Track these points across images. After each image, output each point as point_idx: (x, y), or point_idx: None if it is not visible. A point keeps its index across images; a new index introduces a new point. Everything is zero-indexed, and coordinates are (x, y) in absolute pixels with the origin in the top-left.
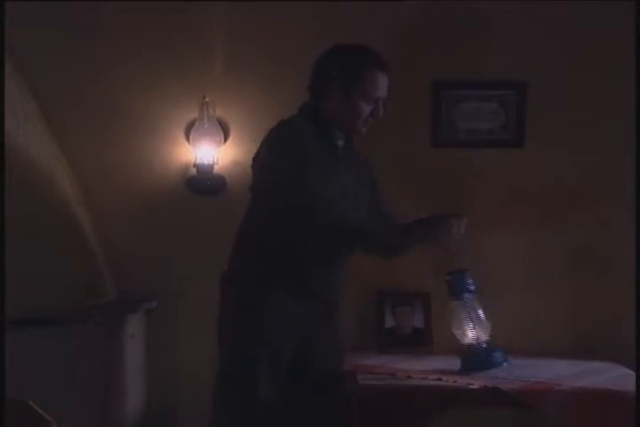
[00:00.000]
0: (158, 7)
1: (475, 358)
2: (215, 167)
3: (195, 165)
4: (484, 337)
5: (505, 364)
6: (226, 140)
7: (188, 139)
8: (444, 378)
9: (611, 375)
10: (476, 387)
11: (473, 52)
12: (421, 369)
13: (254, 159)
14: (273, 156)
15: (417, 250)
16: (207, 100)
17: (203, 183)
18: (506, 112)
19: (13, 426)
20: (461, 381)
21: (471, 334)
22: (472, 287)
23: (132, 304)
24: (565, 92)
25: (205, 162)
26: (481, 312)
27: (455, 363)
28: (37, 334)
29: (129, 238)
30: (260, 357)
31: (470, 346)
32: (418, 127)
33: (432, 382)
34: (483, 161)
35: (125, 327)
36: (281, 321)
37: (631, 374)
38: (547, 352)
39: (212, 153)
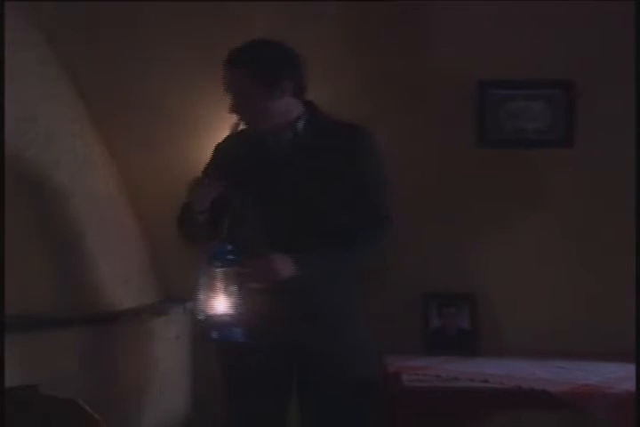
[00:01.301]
0: (207, 7)
1: (212, 329)
2: None
3: None
4: (228, 310)
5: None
6: None
7: None
8: (491, 380)
9: None
10: (523, 389)
11: (519, 50)
12: (467, 371)
13: None
14: None
15: (462, 250)
16: None
17: None
18: (553, 112)
19: (62, 425)
20: (508, 383)
21: (216, 304)
22: (231, 259)
23: (177, 305)
24: (614, 91)
25: None
26: (235, 287)
27: (503, 365)
28: (85, 332)
29: (175, 239)
30: None
31: (211, 316)
32: (463, 128)
33: (478, 384)
34: (529, 161)
35: (171, 328)
36: None
37: None
38: (588, 354)
39: None
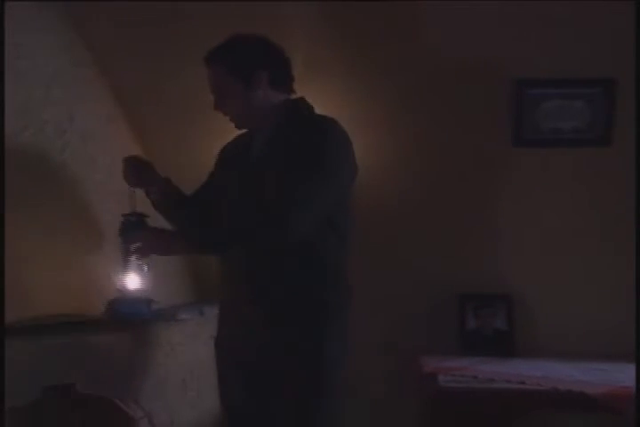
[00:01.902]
0: (239, 7)
1: (116, 305)
2: None
3: None
4: (136, 287)
5: (148, 316)
6: None
7: None
8: (528, 381)
9: None
10: (561, 391)
11: (557, 49)
12: (504, 372)
13: None
14: None
15: (498, 251)
16: None
17: None
18: (592, 110)
19: (99, 423)
20: (545, 384)
21: (125, 280)
22: (136, 234)
23: (212, 305)
24: None
25: None
26: (146, 266)
27: (539, 366)
28: (123, 331)
29: None
30: None
31: (118, 291)
32: (500, 127)
33: (515, 386)
34: (567, 161)
35: (205, 328)
36: None
37: None
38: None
39: None
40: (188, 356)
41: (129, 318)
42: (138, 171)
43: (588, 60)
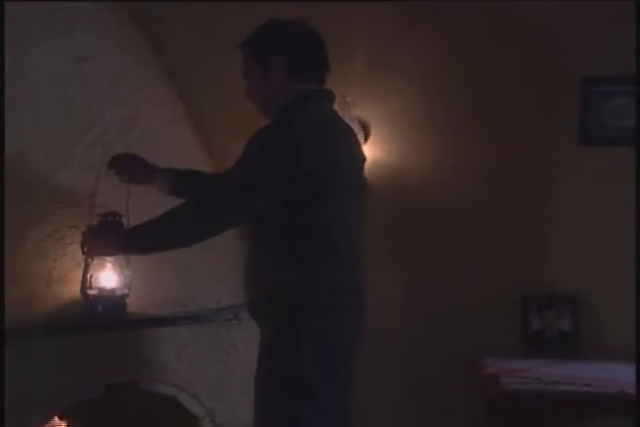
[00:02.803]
0: (300, 7)
1: (98, 303)
2: None
3: None
4: (114, 285)
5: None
6: (366, 140)
7: None
8: (594, 384)
9: None
10: (628, 394)
11: (624, 47)
12: (568, 374)
13: None
14: None
15: (563, 251)
16: (348, 100)
17: None
18: None
19: (162, 420)
20: (612, 388)
21: (103, 278)
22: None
23: None
24: None
25: None
26: (124, 265)
27: (605, 369)
28: (186, 330)
29: None
30: None
31: (100, 290)
32: (565, 125)
33: (581, 388)
34: (632, 159)
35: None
36: None
37: None
38: None
39: None
40: (250, 355)
41: (105, 316)
42: (130, 167)
43: None
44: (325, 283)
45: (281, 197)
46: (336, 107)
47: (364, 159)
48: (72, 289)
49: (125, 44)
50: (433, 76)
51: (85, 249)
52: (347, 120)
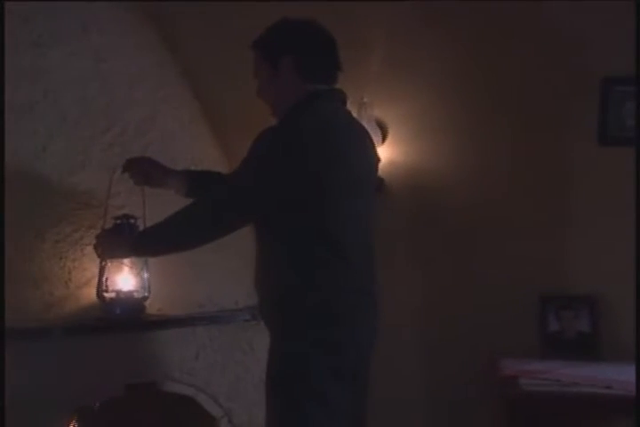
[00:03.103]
0: (319, 8)
1: (116, 305)
2: None
3: None
4: (132, 287)
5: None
6: (383, 140)
7: None
8: (615, 386)
9: None
10: None
11: None
12: (588, 376)
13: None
14: None
15: (581, 251)
16: (365, 100)
17: None
18: None
19: (180, 420)
20: (632, 389)
21: (121, 281)
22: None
23: None
24: None
25: None
26: (143, 267)
27: (625, 370)
28: (205, 330)
29: None
30: None
31: (117, 293)
32: (585, 125)
33: (601, 391)
34: None
35: None
36: None
37: None
38: None
39: None
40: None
41: (123, 319)
42: (145, 170)
43: None
44: (328, 284)
45: (285, 198)
46: (353, 107)
47: (378, 160)
48: (91, 291)
49: (142, 44)
50: (451, 76)
51: (99, 252)
52: (364, 121)
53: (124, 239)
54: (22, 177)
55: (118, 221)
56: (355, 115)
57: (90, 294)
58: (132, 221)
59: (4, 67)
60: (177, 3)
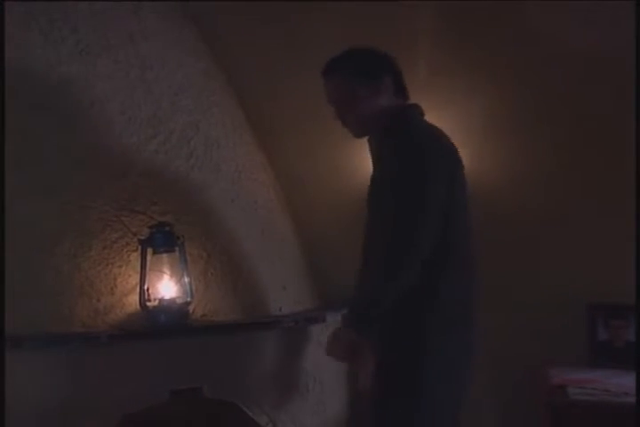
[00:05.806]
0: (363, 12)
1: (160, 313)
2: None
3: None
4: (175, 295)
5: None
6: None
7: None
8: None
9: None
10: None
11: None
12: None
13: None
14: None
15: (631, 259)
16: None
17: None
18: None
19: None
20: None
21: (163, 289)
22: (174, 246)
23: (334, 311)
24: None
25: None
26: (183, 273)
27: None
28: (246, 338)
29: (329, 245)
30: None
31: (160, 301)
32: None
33: None
34: None
35: (327, 334)
36: None
37: None
38: None
39: None
40: (310, 362)
41: (168, 325)
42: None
43: None
44: (448, 284)
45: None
46: None
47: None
48: (136, 298)
49: (188, 53)
50: (498, 82)
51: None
52: None
53: (345, 331)
54: (67, 184)
55: (160, 230)
56: None
57: (135, 300)
58: (167, 228)
59: (4, 67)
60: (223, 11)
